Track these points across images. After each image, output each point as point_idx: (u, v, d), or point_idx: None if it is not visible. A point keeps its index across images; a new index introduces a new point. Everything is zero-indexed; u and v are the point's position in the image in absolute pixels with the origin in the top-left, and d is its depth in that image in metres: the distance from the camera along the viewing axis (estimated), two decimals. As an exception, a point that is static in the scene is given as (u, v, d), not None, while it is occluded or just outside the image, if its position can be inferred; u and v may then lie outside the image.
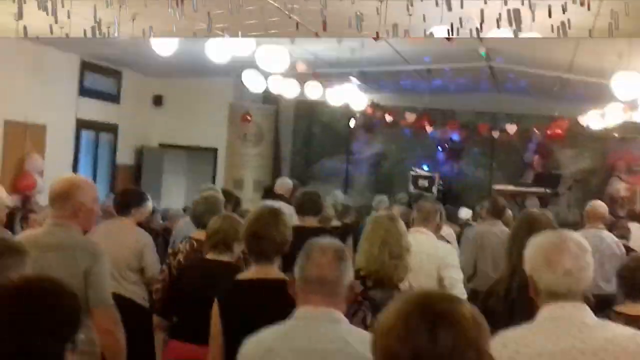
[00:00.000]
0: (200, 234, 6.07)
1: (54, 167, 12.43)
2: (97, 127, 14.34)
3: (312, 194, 7.50)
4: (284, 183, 10.75)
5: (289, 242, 4.30)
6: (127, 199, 7.20)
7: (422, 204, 7.20)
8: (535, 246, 3.11)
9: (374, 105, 15.79)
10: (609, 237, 8.17)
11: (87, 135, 14.14)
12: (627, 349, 2.90)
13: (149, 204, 7.30)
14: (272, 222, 4.28)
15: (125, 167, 15.28)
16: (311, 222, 7.11)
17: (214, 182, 16.07)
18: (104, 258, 4.49)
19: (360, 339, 2.98)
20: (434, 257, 5.96)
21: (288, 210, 8.12)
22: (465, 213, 12.30)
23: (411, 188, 15.81)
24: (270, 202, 7.33)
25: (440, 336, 1.81)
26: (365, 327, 4.73)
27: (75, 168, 13.55)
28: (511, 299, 4.04)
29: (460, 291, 5.93)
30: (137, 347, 6.27)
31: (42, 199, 11.49)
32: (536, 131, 15.55)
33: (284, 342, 3.09)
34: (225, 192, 9.00)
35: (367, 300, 4.65)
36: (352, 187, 16.83)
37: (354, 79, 13.77)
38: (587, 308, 3.00)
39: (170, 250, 6.40)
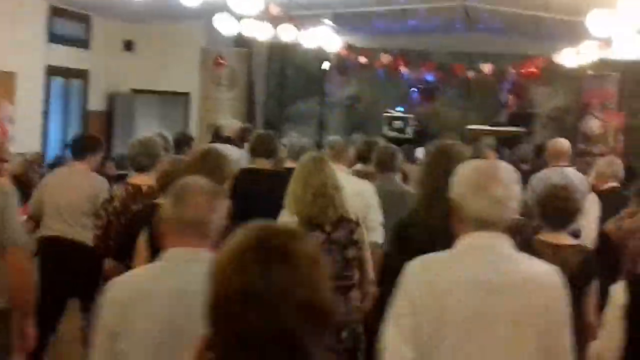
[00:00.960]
0: (137, 179, 6.02)
1: (24, 115, 12.28)
2: (67, 73, 14.14)
3: (266, 136, 7.47)
4: (230, 124, 10.73)
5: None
6: (82, 145, 7.17)
7: (333, 141, 7.37)
8: (466, 173, 3.07)
9: (348, 47, 15.66)
10: (573, 173, 8.12)
11: (57, 81, 13.93)
12: (542, 284, 2.94)
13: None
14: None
15: (97, 113, 15.11)
16: (264, 164, 7.06)
17: (186, 126, 15.98)
18: (14, 197, 4.41)
19: None
20: (360, 197, 5.96)
21: (234, 153, 8.13)
22: (421, 152, 12.23)
23: (385, 129, 15.78)
24: (218, 145, 7.26)
25: (272, 272, 1.76)
26: (338, 265, 4.88)
27: (45, 115, 13.39)
28: (431, 227, 4.01)
29: (380, 234, 5.96)
30: (89, 289, 6.27)
31: (12, 147, 11.38)
32: (511, 70, 15.51)
33: (156, 284, 3.03)
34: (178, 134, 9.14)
35: (334, 242, 4.83)
36: (327, 130, 16.76)
37: (327, 21, 13.63)
38: (509, 239, 2.99)
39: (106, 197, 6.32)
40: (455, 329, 2.88)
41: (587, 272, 4.75)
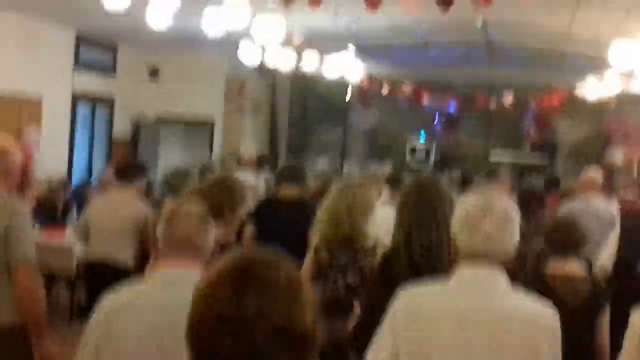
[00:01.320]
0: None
1: (50, 140, 12.44)
2: (93, 100, 14.30)
3: (293, 164, 7.63)
4: (248, 152, 10.89)
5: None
6: (129, 170, 7.37)
7: (368, 169, 7.50)
8: (462, 207, 3.09)
9: (369, 78, 15.75)
10: (601, 203, 8.14)
11: (83, 108, 14.10)
12: (531, 323, 2.90)
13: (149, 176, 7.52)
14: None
15: (122, 140, 15.26)
16: (290, 191, 7.13)
17: (211, 155, 16.09)
18: (25, 218, 4.50)
19: None
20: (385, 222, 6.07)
21: (251, 179, 8.24)
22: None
23: (408, 159, 15.84)
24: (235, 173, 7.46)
25: (247, 297, 1.78)
26: (338, 290, 4.97)
27: (71, 142, 13.54)
28: (415, 264, 4.06)
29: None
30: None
31: (38, 172, 11.53)
32: (533, 101, 15.53)
33: (140, 299, 3.09)
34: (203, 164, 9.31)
35: (334, 266, 4.93)
36: (350, 159, 16.84)
37: (349, 52, 13.72)
38: (502, 274, 2.98)
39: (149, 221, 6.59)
40: None
41: (596, 301, 4.80)
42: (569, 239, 5.01)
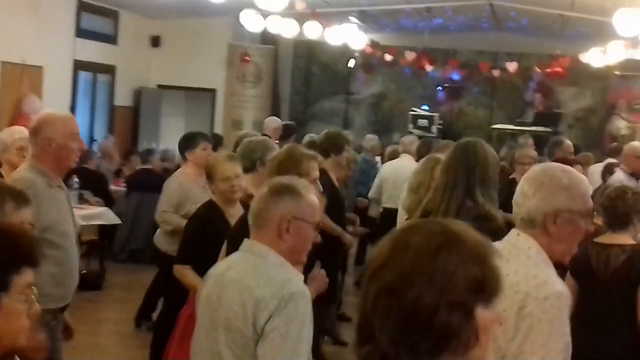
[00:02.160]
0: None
1: (51, 109, 12.37)
2: (94, 68, 14.24)
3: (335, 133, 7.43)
4: (269, 123, 10.70)
5: None
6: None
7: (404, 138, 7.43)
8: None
9: (373, 45, 15.64)
10: None
11: (84, 76, 14.05)
12: (525, 293, 2.82)
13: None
14: None
15: (124, 108, 15.22)
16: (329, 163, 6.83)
17: (212, 123, 16.05)
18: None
19: (270, 280, 3.04)
20: None
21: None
22: None
23: (410, 127, 15.76)
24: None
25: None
26: None
27: (73, 109, 13.49)
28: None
29: None
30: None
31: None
32: (537, 69, 15.43)
33: (228, 270, 3.19)
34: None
35: None
36: (352, 127, 16.76)
37: (353, 19, 13.63)
38: (530, 240, 2.94)
39: None
40: None
41: (632, 271, 4.72)
42: (616, 213, 4.90)
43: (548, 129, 14.74)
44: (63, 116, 4.65)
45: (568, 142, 8.64)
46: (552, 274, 2.89)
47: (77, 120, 13.70)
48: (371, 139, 12.30)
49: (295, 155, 4.54)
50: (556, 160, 6.15)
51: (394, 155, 10.78)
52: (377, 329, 1.63)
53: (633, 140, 14.93)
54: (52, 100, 12.50)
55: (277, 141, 9.14)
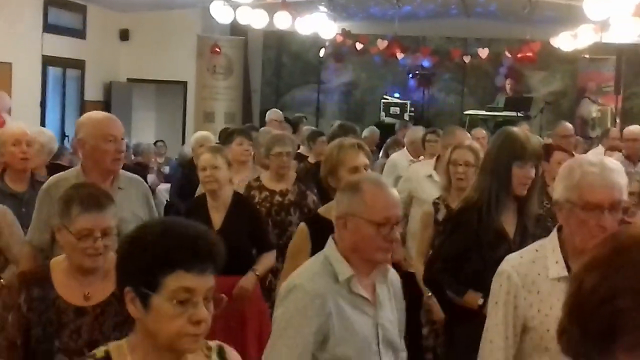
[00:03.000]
0: None
1: (21, 105, 12.28)
2: (63, 63, 14.11)
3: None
4: (274, 114, 10.79)
5: None
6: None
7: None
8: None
9: (344, 33, 15.64)
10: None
11: (54, 71, 13.92)
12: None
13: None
14: None
15: (94, 103, 15.08)
16: None
17: (184, 115, 15.98)
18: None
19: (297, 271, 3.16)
20: None
21: None
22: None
23: (382, 116, 15.79)
24: None
25: None
26: None
27: (43, 105, 13.39)
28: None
29: None
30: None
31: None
32: (507, 54, 15.49)
33: None
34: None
35: None
36: (324, 117, 16.76)
37: (322, 8, 13.62)
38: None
39: None
40: None
41: None
42: None
43: (519, 114, 14.82)
44: (97, 117, 4.56)
45: (564, 126, 8.63)
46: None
47: (48, 116, 13.58)
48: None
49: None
50: (550, 148, 6.15)
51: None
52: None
53: (604, 123, 15.08)
54: (22, 96, 12.39)
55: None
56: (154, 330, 2.08)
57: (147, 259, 2.05)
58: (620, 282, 1.51)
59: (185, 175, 8.14)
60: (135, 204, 4.50)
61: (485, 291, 3.44)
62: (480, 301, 4.05)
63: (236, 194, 5.66)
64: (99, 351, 2.19)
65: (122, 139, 4.48)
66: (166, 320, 2.05)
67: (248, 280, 5.33)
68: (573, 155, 5.69)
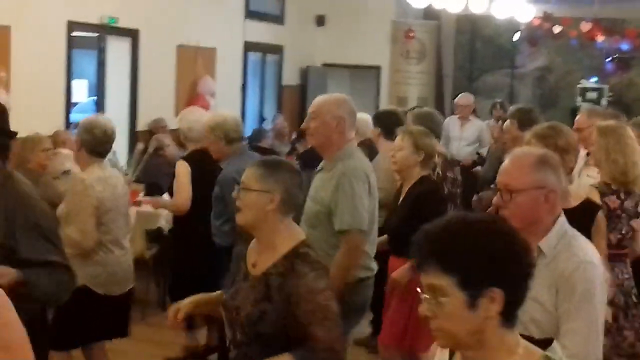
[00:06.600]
0: None
1: (224, 89, 12.86)
2: (263, 48, 14.63)
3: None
4: (462, 99, 11.10)
5: None
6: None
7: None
8: None
9: (546, 16, 15.31)
10: None
11: (253, 57, 14.45)
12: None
13: None
14: None
15: (291, 87, 15.57)
16: None
17: (377, 100, 16.20)
18: None
19: None
20: None
21: None
22: None
23: (578, 101, 15.43)
24: None
25: None
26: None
27: (243, 89, 13.93)
28: None
29: None
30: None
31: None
32: None
33: None
34: None
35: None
36: (517, 102, 16.56)
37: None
38: None
39: None
40: None
41: None
42: None
43: None
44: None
45: None
46: None
47: (248, 100, 14.07)
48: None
49: None
50: None
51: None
52: None
53: None
54: (225, 80, 12.95)
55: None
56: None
57: None
58: None
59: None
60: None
61: None
62: None
63: None
64: None
65: None
66: None
67: None
68: None
